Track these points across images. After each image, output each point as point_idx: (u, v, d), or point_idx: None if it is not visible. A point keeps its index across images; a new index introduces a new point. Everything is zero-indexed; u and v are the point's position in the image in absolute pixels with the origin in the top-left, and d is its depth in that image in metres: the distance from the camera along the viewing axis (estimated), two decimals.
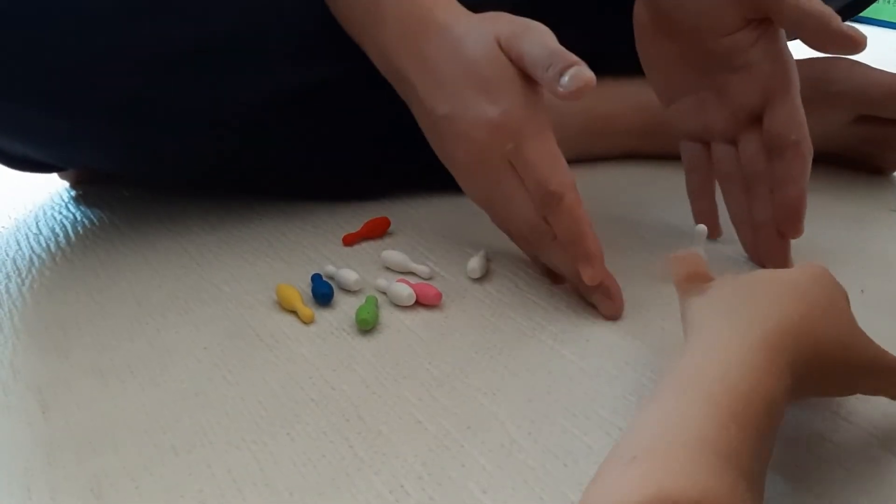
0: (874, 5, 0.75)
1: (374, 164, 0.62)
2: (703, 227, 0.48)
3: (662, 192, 0.62)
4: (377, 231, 0.56)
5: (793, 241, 0.49)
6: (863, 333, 0.34)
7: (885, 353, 0.34)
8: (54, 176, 0.70)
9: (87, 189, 0.68)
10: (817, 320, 0.33)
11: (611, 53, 0.67)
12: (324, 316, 0.47)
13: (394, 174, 0.63)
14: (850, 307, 0.35)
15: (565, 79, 0.42)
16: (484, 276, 0.51)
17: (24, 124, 0.53)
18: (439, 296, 0.47)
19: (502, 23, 0.47)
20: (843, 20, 0.46)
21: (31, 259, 0.56)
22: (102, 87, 0.52)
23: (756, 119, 0.49)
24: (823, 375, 0.33)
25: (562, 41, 0.48)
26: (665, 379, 0.31)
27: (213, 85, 0.54)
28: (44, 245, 0.58)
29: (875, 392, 0.35)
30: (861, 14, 0.77)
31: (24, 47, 0.50)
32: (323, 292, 0.48)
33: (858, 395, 0.37)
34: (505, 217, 0.48)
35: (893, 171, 0.67)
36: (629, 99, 0.67)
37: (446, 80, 0.47)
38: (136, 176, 0.63)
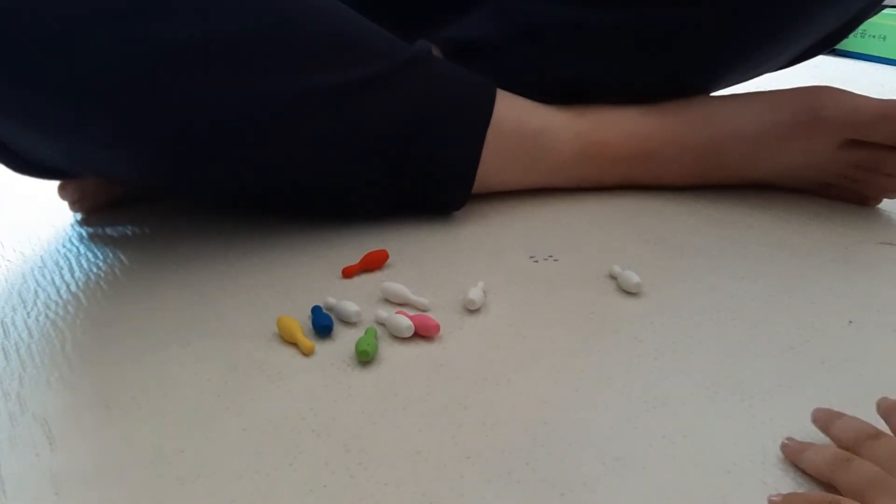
0: (850, 40, 0.77)
1: (377, 179, 0.62)
2: None
3: (653, 221, 0.64)
4: (376, 263, 0.58)
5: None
6: None
7: None
8: (59, 210, 0.71)
9: (90, 221, 0.69)
10: None
11: (605, 80, 0.69)
12: (324, 348, 0.48)
13: (393, 194, 0.63)
14: None
15: None
16: (482, 308, 0.52)
17: (37, 114, 0.53)
18: (438, 327, 0.48)
19: None
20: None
21: (36, 292, 0.56)
22: (120, 79, 0.52)
23: None
24: None
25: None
26: None
27: (224, 85, 0.54)
28: (49, 278, 0.59)
29: None
30: (838, 47, 0.79)
31: (48, 37, 0.50)
32: (323, 324, 0.49)
33: None
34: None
35: (878, 203, 0.69)
36: (622, 125, 0.69)
37: None
38: (140, 183, 0.63)
